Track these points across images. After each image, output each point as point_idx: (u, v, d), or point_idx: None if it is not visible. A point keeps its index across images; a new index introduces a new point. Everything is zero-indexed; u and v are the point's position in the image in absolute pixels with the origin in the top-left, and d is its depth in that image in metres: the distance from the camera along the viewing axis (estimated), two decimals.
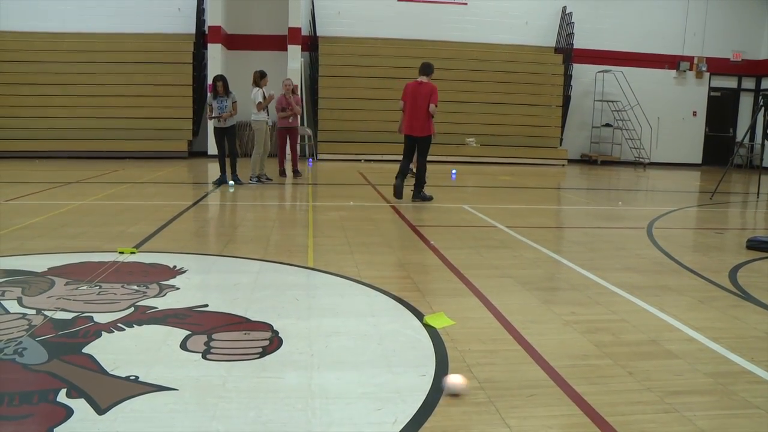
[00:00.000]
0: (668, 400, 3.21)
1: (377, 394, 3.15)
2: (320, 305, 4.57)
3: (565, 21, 20.70)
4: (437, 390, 3.20)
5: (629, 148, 21.09)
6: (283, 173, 13.05)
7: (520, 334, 4.04)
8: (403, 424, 2.85)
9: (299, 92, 17.70)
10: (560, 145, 20.13)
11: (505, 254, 6.45)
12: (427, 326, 4.12)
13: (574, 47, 20.50)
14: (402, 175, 9.96)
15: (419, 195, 10.03)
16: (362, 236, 7.11)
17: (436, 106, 9.70)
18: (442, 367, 3.49)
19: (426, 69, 9.92)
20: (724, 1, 22.00)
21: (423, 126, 9.79)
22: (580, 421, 2.96)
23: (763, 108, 13.16)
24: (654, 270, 6.05)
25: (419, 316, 4.31)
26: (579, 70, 20.87)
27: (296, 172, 13.22)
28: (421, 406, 3.04)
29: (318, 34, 19.48)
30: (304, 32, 19.15)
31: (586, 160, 21.13)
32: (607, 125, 21.23)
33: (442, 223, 8.13)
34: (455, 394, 3.15)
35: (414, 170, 10.55)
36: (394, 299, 4.71)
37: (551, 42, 21.22)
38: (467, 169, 16.19)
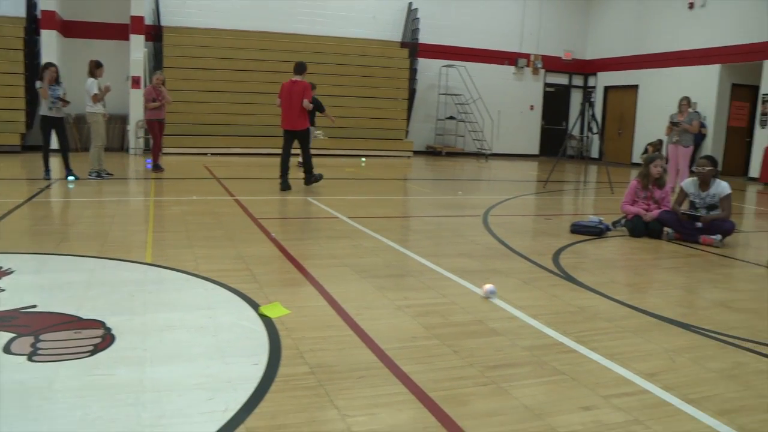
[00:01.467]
0: (488, 374, 3.44)
1: (209, 384, 3.18)
2: (156, 300, 4.52)
3: (411, 17, 21.21)
4: (269, 377, 3.27)
5: (472, 139, 21.95)
6: (158, 167, 12.75)
7: (353, 320, 4.18)
8: (234, 412, 2.91)
9: (141, 84, 17.17)
10: (406, 137, 20.64)
11: (344, 244, 6.59)
12: (262, 316, 4.17)
13: (420, 42, 21.05)
14: (284, 171, 10.65)
15: (310, 179, 10.95)
16: (204, 230, 7.05)
17: (309, 101, 10.62)
18: (274, 356, 3.56)
19: (299, 68, 10.83)
20: (556, 4, 23.36)
21: (299, 121, 10.67)
22: (405, 398, 3.12)
23: (587, 103, 14.12)
24: (486, 255, 6.39)
25: (256, 307, 4.36)
26: (424, 64, 21.46)
27: (157, 167, 12.88)
28: (252, 393, 3.10)
29: (162, 24, 18.88)
30: (148, 21, 18.49)
31: (431, 152, 21.79)
32: (451, 118, 21.98)
33: (285, 215, 8.19)
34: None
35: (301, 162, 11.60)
36: (231, 291, 4.73)
37: (398, 37, 21.68)
38: (316, 162, 16.24)
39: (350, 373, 3.37)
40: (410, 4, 21.27)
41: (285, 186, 10.60)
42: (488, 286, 4.87)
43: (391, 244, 6.69)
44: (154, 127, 13.34)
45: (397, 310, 4.46)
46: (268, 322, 4.08)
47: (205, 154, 17.24)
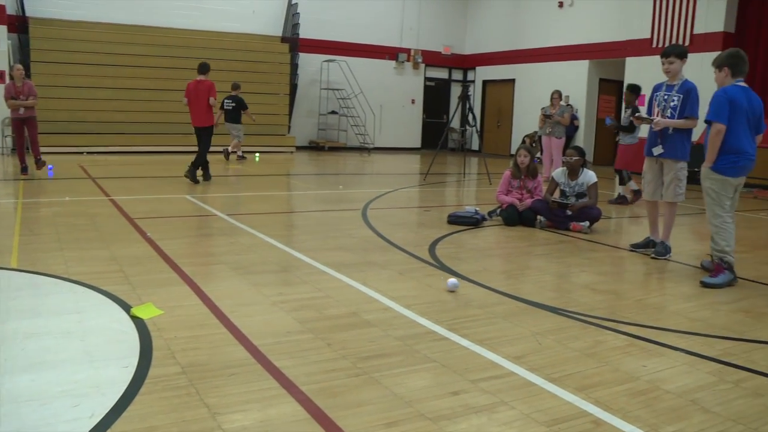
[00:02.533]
0: (360, 365, 3.50)
1: (76, 390, 3.09)
2: (20, 307, 4.33)
3: (291, 11, 21.07)
4: (139, 379, 3.21)
5: (355, 134, 22.06)
6: (24, 170, 11.80)
7: (227, 318, 4.15)
8: (101, 417, 2.84)
9: (6, 79, 16.28)
10: (288, 132, 20.51)
11: (221, 242, 6.52)
12: (134, 318, 4.08)
13: (300, 37, 20.95)
14: (195, 166, 11.25)
15: (195, 175, 11.33)
16: (75, 232, 6.79)
17: (215, 99, 11.34)
18: (145, 357, 3.50)
19: (203, 68, 11.51)
20: (435, 0, 23.81)
21: (205, 118, 11.43)
22: (276, 393, 3.14)
23: (464, 97, 14.49)
24: (363, 248, 6.46)
25: (127, 308, 4.26)
26: (305, 59, 21.39)
27: (39, 162, 11.93)
28: (120, 397, 3.04)
29: (28, 15, 17.93)
30: (10, 11, 17.49)
31: (314, 147, 21.76)
32: (333, 113, 22.02)
33: (162, 215, 7.99)
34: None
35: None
36: (102, 294, 4.60)
37: (278, 32, 21.50)
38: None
39: (222, 371, 3.35)
40: None
41: (204, 177, 11.42)
42: (451, 281, 5.08)
43: (269, 240, 6.66)
44: (17, 127, 12.21)
45: (272, 306, 4.46)
46: (140, 323, 4.00)
47: (81, 153, 16.57)
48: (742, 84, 5.67)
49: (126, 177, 11.93)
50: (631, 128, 10.79)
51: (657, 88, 6.68)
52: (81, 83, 17.58)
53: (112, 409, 2.92)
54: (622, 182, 11.31)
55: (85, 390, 3.09)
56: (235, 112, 16.04)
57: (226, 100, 15.97)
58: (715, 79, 5.81)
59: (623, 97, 12.21)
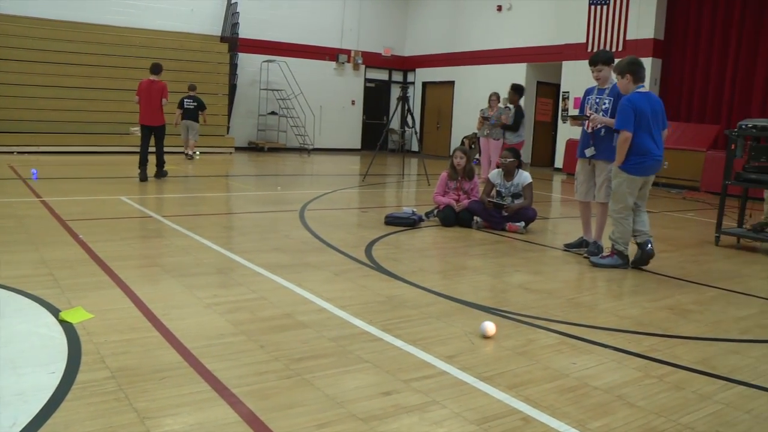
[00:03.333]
0: (293, 367, 3.49)
1: None
2: None
3: (231, 11, 20.86)
4: (66, 385, 3.14)
5: (294, 135, 21.98)
6: None
7: (159, 321, 4.09)
8: (23, 426, 2.76)
9: None
10: (227, 133, 20.30)
11: (156, 244, 6.43)
12: (63, 322, 3.99)
13: (240, 37, 20.76)
14: (143, 164, 11.55)
15: (161, 173, 12.00)
16: (2, 235, 6.59)
17: (167, 100, 11.81)
18: (73, 362, 3.42)
19: (155, 69, 11.90)
20: (375, 2, 23.89)
21: (157, 117, 11.82)
22: (208, 396, 3.10)
23: (402, 98, 14.58)
24: (299, 249, 6.45)
25: (56, 313, 4.16)
26: (245, 59, 21.21)
27: None
28: (45, 404, 2.96)
29: None
30: None
31: (253, 148, 21.60)
32: (273, 113, 21.89)
33: (96, 216, 7.83)
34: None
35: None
36: (29, 298, 4.47)
37: (217, 31, 21.28)
38: (132, 160, 15.65)
39: (153, 375, 3.30)
40: None
41: (143, 177, 11.49)
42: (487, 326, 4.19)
43: (204, 242, 6.59)
44: None
45: (205, 308, 4.41)
46: (68, 328, 3.91)
47: (11, 152, 16.09)
48: (643, 89, 6.21)
49: (59, 177, 11.64)
50: (515, 127, 10.99)
51: (589, 92, 6.87)
52: (10, 80, 17.06)
53: (36, 416, 2.85)
54: None
55: (7, 398, 3.01)
56: (196, 111, 16.42)
57: (186, 100, 16.32)
58: (618, 85, 6.35)
59: (508, 96, 12.45)
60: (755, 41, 15.29)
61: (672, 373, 3.72)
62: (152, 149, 11.80)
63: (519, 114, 12.45)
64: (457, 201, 8.42)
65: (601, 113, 6.58)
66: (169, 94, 11.98)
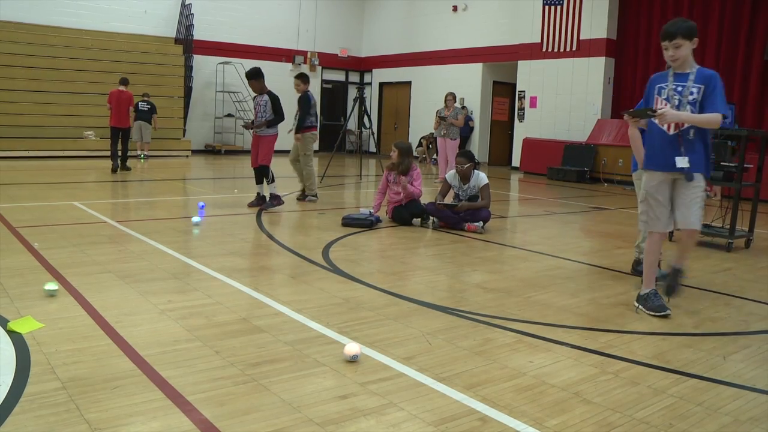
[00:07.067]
0: (248, 372, 3.45)
1: None
2: None
3: (185, 12, 20.64)
4: (13, 398, 3.06)
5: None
6: None
7: (113, 329, 4.01)
8: None
9: None
10: (184, 136, 20.08)
11: (109, 249, 6.31)
12: (11, 333, 3.89)
13: (195, 38, 20.56)
14: (115, 158, 14.08)
15: (125, 167, 14.47)
16: None
17: (132, 107, 14.97)
18: (22, 374, 3.34)
19: (124, 81, 14.88)
20: (331, 2, 23.83)
21: (126, 120, 14.63)
22: (161, 404, 3.05)
23: (358, 99, 14.58)
24: (255, 252, 6.40)
25: (4, 323, 4.05)
26: (200, 61, 21.02)
27: None
28: None
29: None
30: None
31: (210, 150, 21.39)
32: (230, 115, 21.71)
33: (47, 222, 7.67)
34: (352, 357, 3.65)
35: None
36: None
37: (171, 33, 21.04)
38: (86, 164, 15.43)
39: (105, 384, 3.24)
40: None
41: (115, 169, 13.95)
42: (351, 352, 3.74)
43: (159, 246, 6.49)
44: None
45: (159, 314, 4.34)
46: (17, 338, 3.81)
47: None
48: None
49: (9, 183, 11.38)
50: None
51: (658, 79, 4.91)
52: None
53: None
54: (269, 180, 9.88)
55: None
56: (149, 113, 16.90)
57: (140, 102, 16.66)
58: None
59: (294, 86, 11.72)
60: (702, 40, 15.59)
61: (628, 368, 3.76)
62: None
63: (302, 101, 11.65)
64: (397, 195, 8.59)
65: (687, 108, 4.63)
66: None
